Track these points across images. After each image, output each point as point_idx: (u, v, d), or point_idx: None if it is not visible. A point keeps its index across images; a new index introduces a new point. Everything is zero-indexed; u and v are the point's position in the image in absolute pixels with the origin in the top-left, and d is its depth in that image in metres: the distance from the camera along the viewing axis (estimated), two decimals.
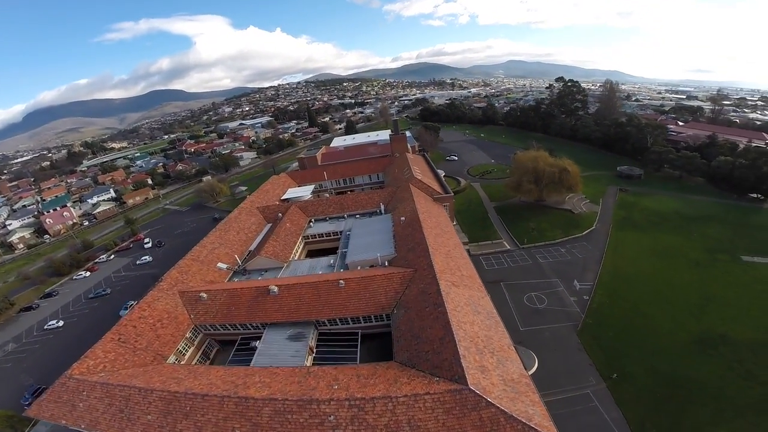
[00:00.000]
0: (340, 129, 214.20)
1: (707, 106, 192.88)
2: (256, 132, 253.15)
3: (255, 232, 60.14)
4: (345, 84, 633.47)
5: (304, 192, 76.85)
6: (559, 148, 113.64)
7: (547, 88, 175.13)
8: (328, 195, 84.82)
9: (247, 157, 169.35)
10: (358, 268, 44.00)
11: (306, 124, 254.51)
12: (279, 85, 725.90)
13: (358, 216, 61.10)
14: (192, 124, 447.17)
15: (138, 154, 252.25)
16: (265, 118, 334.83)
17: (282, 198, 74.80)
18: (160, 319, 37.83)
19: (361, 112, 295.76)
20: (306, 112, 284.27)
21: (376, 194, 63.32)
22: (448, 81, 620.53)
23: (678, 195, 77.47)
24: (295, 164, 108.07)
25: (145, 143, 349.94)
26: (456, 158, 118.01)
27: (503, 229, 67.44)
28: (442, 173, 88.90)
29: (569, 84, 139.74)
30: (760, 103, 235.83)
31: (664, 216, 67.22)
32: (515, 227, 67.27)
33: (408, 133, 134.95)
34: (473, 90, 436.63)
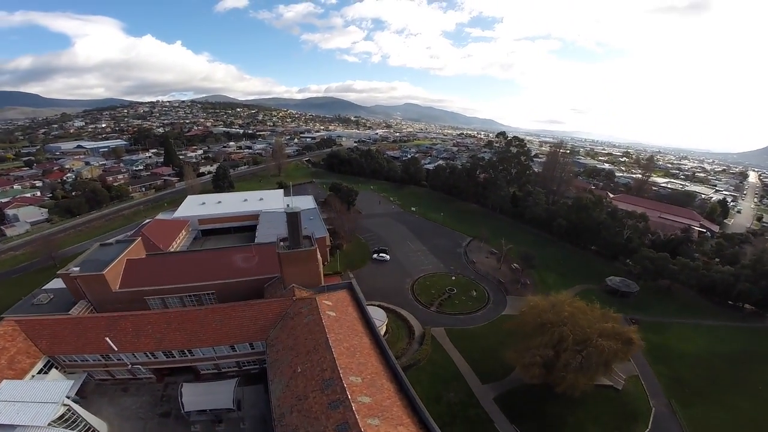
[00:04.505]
0: (209, 173, 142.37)
1: (599, 165, 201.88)
2: (87, 163, 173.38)
3: None
4: (239, 109, 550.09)
5: (38, 410, 25.83)
6: (502, 232, 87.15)
7: (485, 145, 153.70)
8: None
9: (28, 218, 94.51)
10: None
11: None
12: (158, 101, 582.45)
13: None
14: (21, 137, 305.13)
15: None
16: (118, 142, 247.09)
17: None
18: None
19: (249, 148, 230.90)
20: (172, 139, 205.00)
21: None
22: (353, 118, 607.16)
23: (688, 321, 60.70)
24: (114, 240, 47.84)
25: None
26: (387, 257, 75.15)
27: None
28: (382, 326, 47.82)
29: (512, 142, 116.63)
30: (619, 153, 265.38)
31: (706, 363, 50.07)
32: None
33: (311, 202, 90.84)
34: (380, 132, 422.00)
